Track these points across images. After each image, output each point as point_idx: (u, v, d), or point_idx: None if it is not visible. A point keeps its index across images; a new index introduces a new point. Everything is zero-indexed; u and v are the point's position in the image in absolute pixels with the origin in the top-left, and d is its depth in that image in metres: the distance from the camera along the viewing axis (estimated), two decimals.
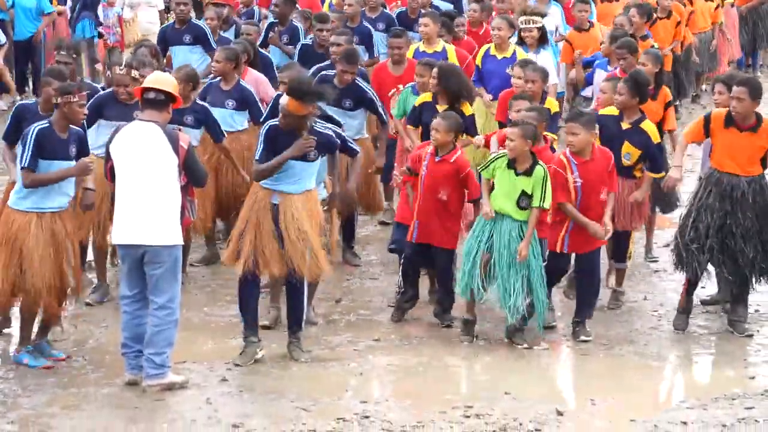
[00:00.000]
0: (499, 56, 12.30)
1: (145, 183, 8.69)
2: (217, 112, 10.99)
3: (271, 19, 14.22)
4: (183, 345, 9.19)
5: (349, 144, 9.49)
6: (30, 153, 8.80)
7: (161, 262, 8.68)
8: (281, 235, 9.00)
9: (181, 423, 8.25)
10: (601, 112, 10.12)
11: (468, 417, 8.28)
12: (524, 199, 9.21)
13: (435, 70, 10.70)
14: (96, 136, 10.11)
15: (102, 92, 10.48)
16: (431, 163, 9.70)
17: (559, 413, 8.29)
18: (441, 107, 10.44)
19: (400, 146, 11.52)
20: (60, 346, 9.63)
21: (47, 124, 8.91)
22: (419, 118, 10.88)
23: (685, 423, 8.21)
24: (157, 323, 8.69)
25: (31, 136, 8.85)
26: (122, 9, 17.15)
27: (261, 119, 10.68)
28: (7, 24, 16.65)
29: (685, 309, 9.68)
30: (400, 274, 10.05)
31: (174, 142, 8.73)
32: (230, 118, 11.36)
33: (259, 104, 11.39)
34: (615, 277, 10.41)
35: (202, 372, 9.12)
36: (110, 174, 8.92)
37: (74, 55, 10.54)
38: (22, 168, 8.87)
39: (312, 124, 9.06)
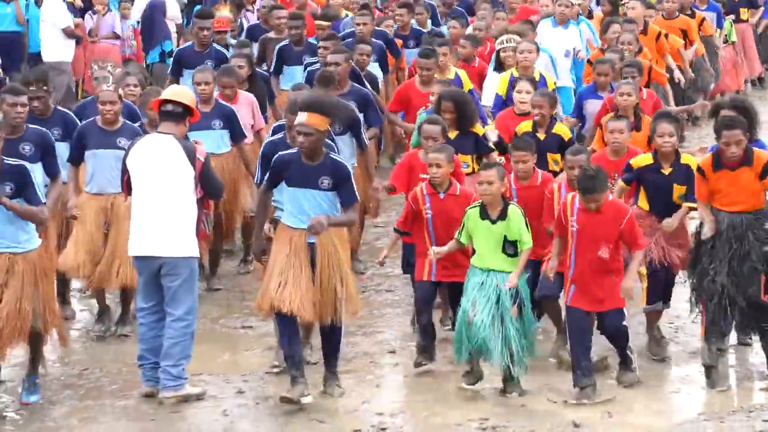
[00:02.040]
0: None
1: (162, 195, 8.70)
2: (204, 135, 10.48)
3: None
4: (199, 357, 9.19)
5: (350, 191, 8.65)
6: None
7: (178, 274, 8.69)
8: (316, 277, 8.54)
9: None
10: (633, 162, 9.43)
11: (484, 429, 8.26)
12: (509, 246, 8.71)
13: (448, 104, 10.25)
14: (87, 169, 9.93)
15: (82, 123, 10.04)
16: (436, 201, 9.23)
17: (576, 425, 8.25)
18: (451, 134, 10.05)
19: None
20: (77, 358, 9.69)
21: None
22: None
23: None
24: (173, 335, 8.68)
25: None
26: (138, 22, 17.18)
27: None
28: (23, 36, 16.69)
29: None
30: (418, 327, 9.44)
31: (191, 154, 8.74)
32: (220, 140, 11.03)
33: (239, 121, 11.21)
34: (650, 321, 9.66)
35: (218, 384, 9.12)
36: (127, 186, 8.93)
37: (44, 87, 9.98)
38: None
39: (327, 151, 8.60)
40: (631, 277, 8.71)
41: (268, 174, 8.71)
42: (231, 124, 11.11)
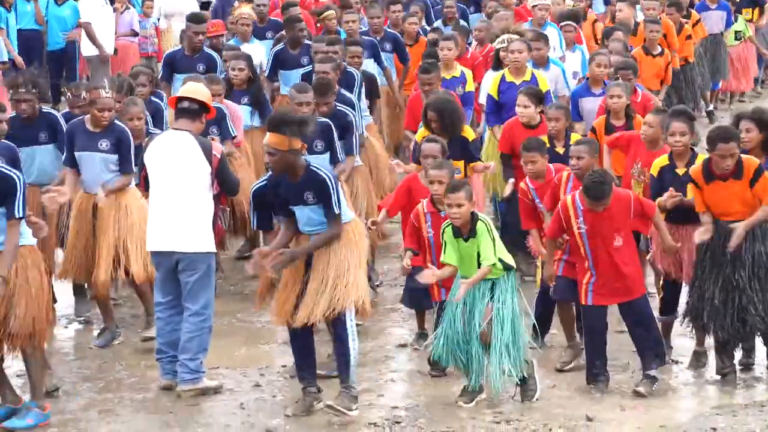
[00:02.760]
0: (518, 81, 11.78)
1: (179, 191, 8.73)
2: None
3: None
4: (216, 351, 9.23)
5: (331, 203, 8.32)
6: None
7: (195, 269, 8.72)
8: (309, 281, 8.33)
9: (215, 428, 8.29)
10: (652, 170, 9.18)
11: (498, 423, 8.26)
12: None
13: (431, 113, 10.16)
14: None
15: (71, 123, 9.87)
16: (437, 220, 8.90)
17: (589, 419, 8.26)
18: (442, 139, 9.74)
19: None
20: (96, 351, 9.74)
21: None
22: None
23: (714, 429, 8.17)
24: (191, 329, 8.71)
25: None
26: (158, 19, 17.23)
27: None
28: (42, 34, 16.78)
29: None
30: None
31: (207, 150, 8.77)
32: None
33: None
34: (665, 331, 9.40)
35: (235, 377, 9.16)
36: (144, 183, 8.98)
37: (34, 90, 9.94)
38: None
39: (307, 164, 8.30)
40: (667, 236, 8.73)
41: (253, 212, 8.67)
42: (219, 124, 10.95)
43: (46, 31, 16.89)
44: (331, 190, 8.23)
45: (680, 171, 9.01)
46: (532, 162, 9.43)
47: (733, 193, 8.58)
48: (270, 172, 8.56)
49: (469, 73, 12.55)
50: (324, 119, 10.23)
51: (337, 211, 8.24)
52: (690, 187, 8.77)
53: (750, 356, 9.14)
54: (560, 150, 10.09)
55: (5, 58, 15.96)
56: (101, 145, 9.65)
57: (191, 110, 8.80)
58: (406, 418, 8.36)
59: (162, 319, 8.89)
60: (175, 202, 8.72)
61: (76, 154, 9.69)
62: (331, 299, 8.22)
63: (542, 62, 12.52)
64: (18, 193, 7.98)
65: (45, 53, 17.00)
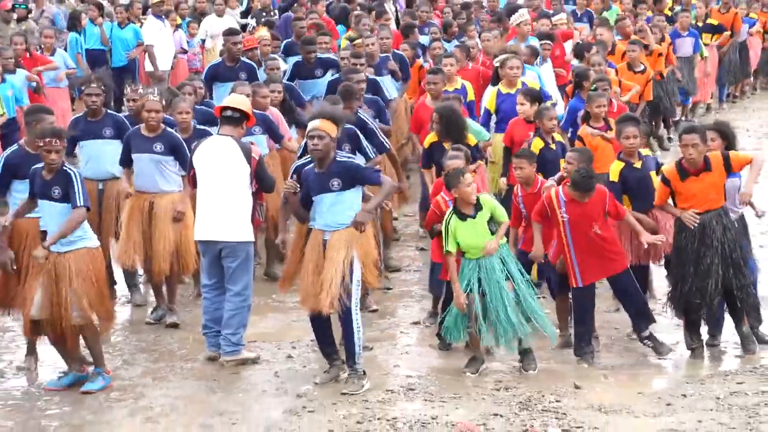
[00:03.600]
0: (512, 91, 11.70)
1: (223, 188, 8.78)
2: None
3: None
4: (254, 326, 9.27)
5: (369, 174, 8.46)
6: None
7: (236, 256, 8.75)
8: (326, 270, 8.23)
9: (253, 393, 8.34)
10: (611, 178, 9.23)
11: (498, 390, 8.32)
12: (493, 224, 8.49)
13: (435, 115, 10.12)
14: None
15: (130, 130, 9.86)
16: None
17: (577, 387, 8.31)
18: (447, 145, 9.69)
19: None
20: (151, 328, 9.79)
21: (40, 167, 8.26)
22: (431, 158, 10.22)
23: (684, 395, 8.22)
24: (232, 308, 8.76)
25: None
26: (203, 40, 17.42)
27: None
28: (106, 53, 16.98)
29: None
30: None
31: (247, 153, 8.84)
32: (260, 143, 10.56)
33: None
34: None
35: (270, 350, 9.20)
36: (192, 181, 9.05)
37: (103, 87, 10.07)
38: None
39: (335, 155, 8.35)
40: (643, 233, 8.81)
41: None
42: (269, 127, 10.91)
43: (110, 50, 17.06)
44: (362, 169, 8.40)
45: (637, 165, 9.24)
46: (521, 168, 9.35)
47: (708, 184, 8.75)
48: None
49: (469, 85, 12.53)
50: (350, 126, 9.96)
51: (376, 178, 8.35)
52: (659, 183, 8.92)
53: (715, 338, 9.21)
54: (554, 146, 10.22)
55: (79, 74, 16.18)
56: (156, 147, 9.68)
57: (234, 118, 8.86)
58: (419, 386, 8.40)
59: (208, 299, 8.93)
60: (219, 198, 8.77)
61: (134, 155, 9.72)
62: (335, 293, 8.18)
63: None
64: (76, 185, 8.16)
65: (109, 69, 17.14)
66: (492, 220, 8.52)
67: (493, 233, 8.50)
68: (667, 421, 7.76)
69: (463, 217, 8.51)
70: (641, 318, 8.94)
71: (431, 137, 10.32)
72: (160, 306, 10.01)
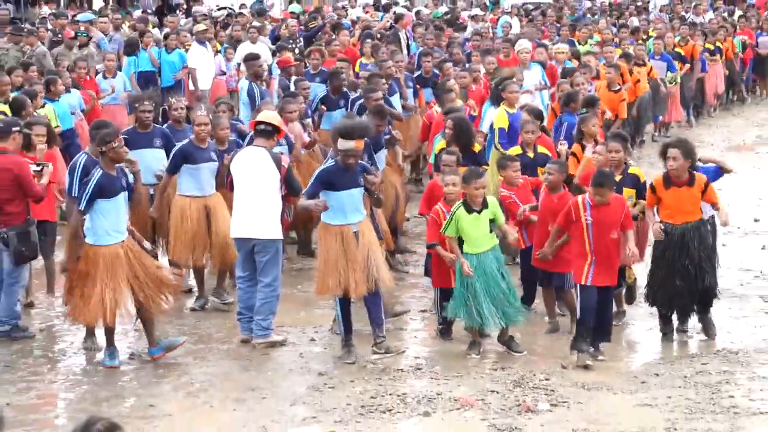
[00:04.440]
0: (513, 111, 11.55)
1: (256, 192, 8.83)
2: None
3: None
4: (282, 313, 9.27)
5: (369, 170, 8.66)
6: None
7: (267, 251, 8.79)
8: (361, 258, 8.33)
9: (281, 371, 8.39)
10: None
11: (495, 370, 8.35)
12: (492, 225, 8.48)
13: (449, 122, 10.04)
14: (180, 178, 9.79)
15: (182, 144, 9.80)
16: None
17: (563, 367, 8.34)
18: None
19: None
20: (192, 313, 9.84)
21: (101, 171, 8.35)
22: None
23: (657, 375, 8.26)
24: (263, 297, 8.80)
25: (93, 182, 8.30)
26: (239, 64, 17.53)
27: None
28: (156, 74, 17.15)
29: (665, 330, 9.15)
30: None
31: (277, 162, 8.91)
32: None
33: None
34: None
35: (296, 333, 9.23)
36: (230, 186, 9.12)
37: (153, 104, 10.31)
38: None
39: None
40: (635, 246, 8.49)
41: (315, 184, 8.48)
42: (286, 140, 10.82)
43: (159, 71, 17.22)
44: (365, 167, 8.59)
45: (617, 178, 8.95)
46: (550, 173, 9.15)
47: (687, 196, 8.75)
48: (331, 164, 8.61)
49: (472, 103, 12.66)
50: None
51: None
52: (648, 191, 8.93)
53: (684, 325, 9.22)
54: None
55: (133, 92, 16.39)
56: (212, 156, 9.80)
57: (266, 131, 8.94)
58: (425, 366, 8.43)
59: (242, 289, 8.96)
60: (253, 201, 8.82)
61: (193, 166, 9.65)
62: (370, 277, 8.34)
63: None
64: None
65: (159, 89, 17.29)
66: (493, 221, 8.55)
67: (491, 231, 8.50)
68: (642, 397, 7.80)
69: (470, 210, 8.50)
70: (602, 334, 8.52)
71: (441, 144, 10.22)
72: (202, 295, 10.09)
